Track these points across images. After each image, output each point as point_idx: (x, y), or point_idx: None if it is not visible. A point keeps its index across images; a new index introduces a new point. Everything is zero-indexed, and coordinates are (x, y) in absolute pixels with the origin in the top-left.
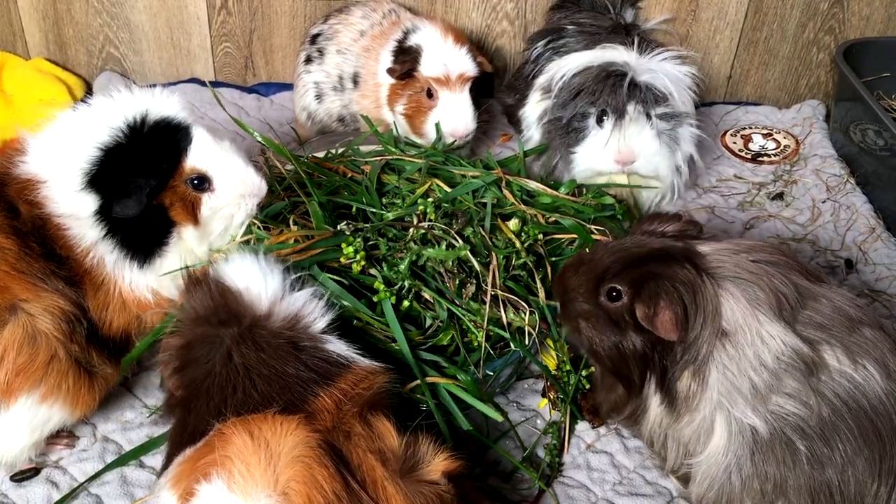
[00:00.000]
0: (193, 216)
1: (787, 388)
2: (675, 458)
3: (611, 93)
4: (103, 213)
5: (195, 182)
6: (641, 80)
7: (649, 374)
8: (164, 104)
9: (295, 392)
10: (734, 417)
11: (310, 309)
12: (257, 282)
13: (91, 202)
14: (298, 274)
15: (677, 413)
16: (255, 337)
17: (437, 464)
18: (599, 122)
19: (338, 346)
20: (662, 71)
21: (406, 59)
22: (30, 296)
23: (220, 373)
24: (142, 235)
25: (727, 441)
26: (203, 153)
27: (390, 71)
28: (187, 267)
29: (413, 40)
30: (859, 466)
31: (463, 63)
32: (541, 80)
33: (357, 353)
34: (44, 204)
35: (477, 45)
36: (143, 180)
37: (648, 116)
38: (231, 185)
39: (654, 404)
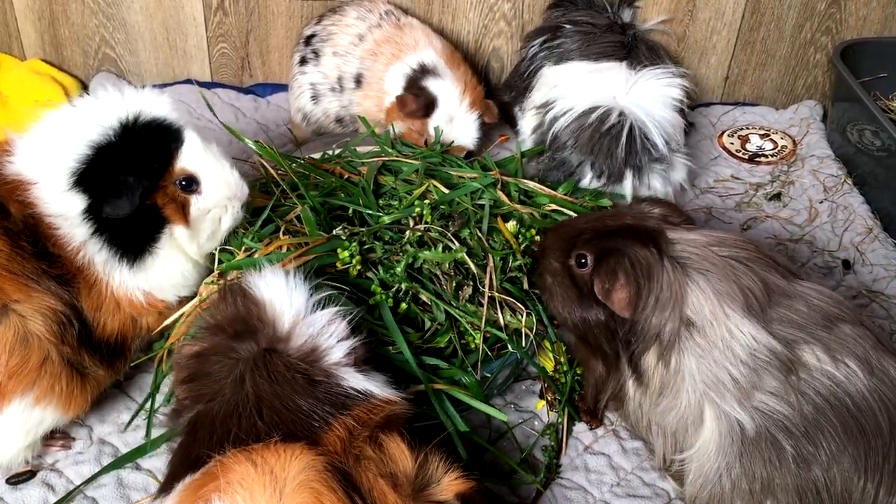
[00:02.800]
0: (184, 216)
1: (769, 387)
2: (663, 448)
3: (606, 157)
4: (91, 213)
5: (184, 183)
6: (637, 128)
7: (619, 346)
8: (156, 104)
9: (303, 424)
10: (723, 411)
11: (329, 333)
12: (282, 297)
13: (79, 202)
14: (327, 293)
15: (649, 391)
16: (269, 367)
17: (448, 484)
18: (598, 176)
19: (355, 381)
20: (651, 116)
21: (418, 102)
22: (21, 296)
23: (229, 399)
24: (131, 235)
25: (718, 437)
26: (193, 155)
27: (400, 102)
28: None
29: (431, 85)
30: (844, 463)
31: (468, 136)
32: (535, 99)
33: (375, 384)
34: (34, 204)
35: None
36: (135, 180)
37: (641, 171)
38: (218, 188)
39: (630, 381)
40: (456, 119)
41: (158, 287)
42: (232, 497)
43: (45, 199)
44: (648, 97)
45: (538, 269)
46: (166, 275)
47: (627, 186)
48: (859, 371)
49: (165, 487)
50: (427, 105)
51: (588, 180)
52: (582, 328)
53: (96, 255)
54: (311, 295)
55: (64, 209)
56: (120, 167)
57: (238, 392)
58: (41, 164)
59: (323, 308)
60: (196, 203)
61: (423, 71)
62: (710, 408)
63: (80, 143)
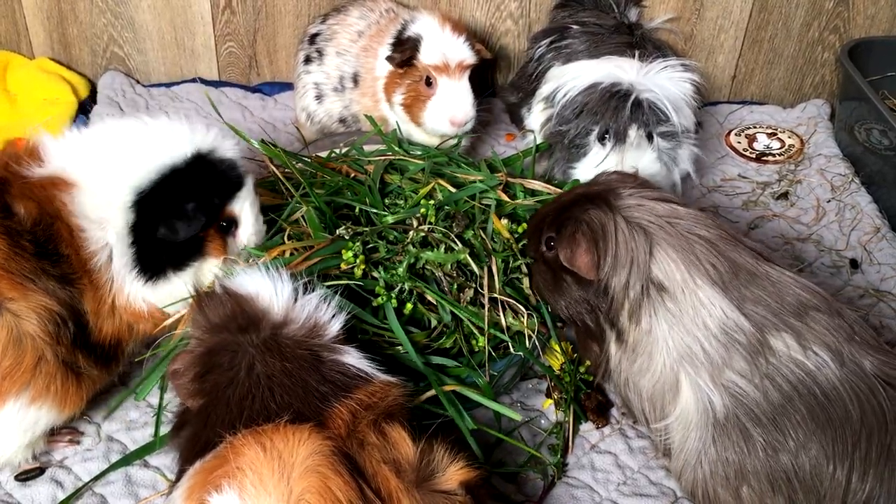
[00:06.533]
0: (223, 252)
1: (738, 367)
2: (640, 406)
3: (613, 115)
4: (139, 228)
5: (224, 224)
6: (644, 97)
7: (600, 317)
8: (229, 147)
9: (312, 403)
10: (697, 385)
11: (322, 312)
12: (267, 287)
13: (130, 216)
14: (305, 278)
15: (627, 345)
16: (280, 347)
17: (452, 473)
18: (601, 140)
19: (356, 360)
20: (663, 91)
21: (405, 48)
22: (16, 294)
23: (242, 382)
24: (164, 258)
25: (696, 413)
26: (243, 203)
27: (389, 59)
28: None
29: (412, 30)
30: (812, 451)
31: (462, 51)
32: (543, 91)
33: (374, 367)
34: (64, 204)
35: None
36: (197, 211)
37: (650, 137)
38: (248, 236)
39: (612, 342)
40: (445, 45)
41: (164, 300)
42: (241, 482)
43: (81, 201)
44: (661, 77)
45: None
46: (176, 292)
47: (632, 135)
48: (830, 361)
49: (179, 477)
50: (413, 45)
51: (593, 153)
52: (568, 310)
53: (115, 263)
54: (293, 281)
55: (104, 216)
56: (186, 194)
57: (250, 375)
58: (91, 168)
59: (307, 291)
60: (231, 243)
61: (404, 25)
62: (685, 378)
63: (152, 161)
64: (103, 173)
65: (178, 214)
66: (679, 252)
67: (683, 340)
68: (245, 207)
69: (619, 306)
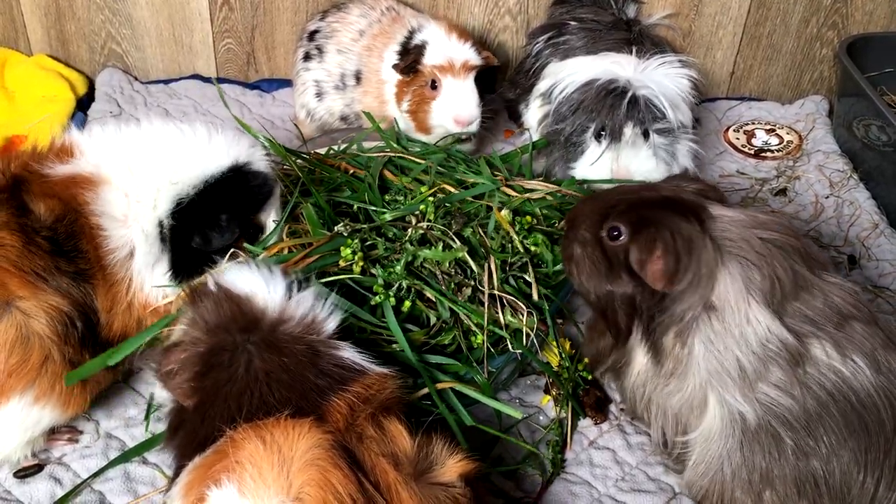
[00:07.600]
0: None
1: (773, 378)
2: (662, 426)
3: (609, 112)
4: (174, 232)
5: (251, 231)
6: (641, 94)
7: (636, 322)
8: (260, 157)
9: (310, 397)
10: (725, 401)
11: (319, 308)
12: (262, 286)
13: (165, 222)
14: (300, 275)
15: (664, 370)
16: (278, 343)
17: (451, 465)
18: (597, 137)
19: (352, 354)
20: (660, 87)
21: (410, 54)
22: (27, 293)
23: (240, 378)
24: (198, 262)
25: (721, 424)
26: (269, 211)
27: (395, 66)
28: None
29: (418, 38)
30: (844, 457)
31: (466, 52)
32: (541, 87)
33: (369, 361)
34: (88, 202)
35: (479, 41)
36: (233, 223)
37: (646, 135)
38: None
39: (640, 355)
40: (450, 48)
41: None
42: (241, 475)
43: (110, 200)
44: (658, 74)
45: (565, 239)
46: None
47: (627, 133)
48: (866, 368)
49: (177, 474)
50: (419, 51)
51: (590, 151)
52: (604, 301)
53: (138, 260)
54: (287, 278)
55: (131, 214)
56: (222, 206)
57: (248, 371)
58: (127, 168)
59: (302, 288)
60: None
61: (411, 33)
62: (713, 394)
63: (193, 169)
64: (140, 174)
65: (212, 225)
66: (744, 268)
67: (717, 359)
68: (270, 216)
69: (669, 324)
